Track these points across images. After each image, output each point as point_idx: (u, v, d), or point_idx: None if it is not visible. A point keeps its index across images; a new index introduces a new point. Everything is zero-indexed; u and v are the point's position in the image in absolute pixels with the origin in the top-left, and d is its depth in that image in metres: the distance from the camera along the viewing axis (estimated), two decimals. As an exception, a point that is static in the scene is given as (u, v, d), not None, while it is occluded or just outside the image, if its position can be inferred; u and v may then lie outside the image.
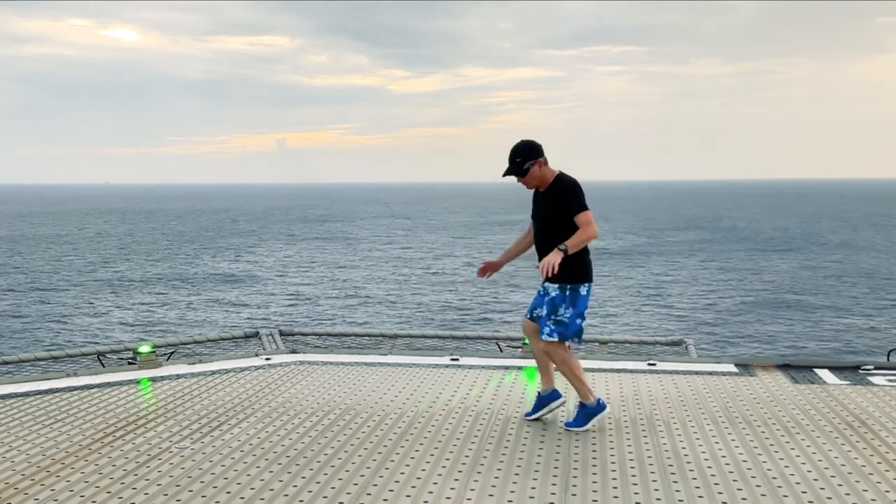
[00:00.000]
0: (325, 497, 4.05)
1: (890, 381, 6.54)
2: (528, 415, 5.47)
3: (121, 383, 6.53)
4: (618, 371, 6.91)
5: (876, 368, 6.95)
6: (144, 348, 7.21)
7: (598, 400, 5.29)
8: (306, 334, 8.49)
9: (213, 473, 4.39)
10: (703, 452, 4.74)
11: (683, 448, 4.82)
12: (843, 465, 4.52)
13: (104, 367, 7.15)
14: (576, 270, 5.12)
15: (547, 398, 5.45)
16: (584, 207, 5.09)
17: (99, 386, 6.42)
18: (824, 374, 6.79)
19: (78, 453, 4.74)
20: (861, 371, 6.88)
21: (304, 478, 4.33)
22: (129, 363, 7.18)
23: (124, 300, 33.01)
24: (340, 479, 4.31)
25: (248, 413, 5.64)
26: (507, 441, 4.96)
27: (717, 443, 4.93)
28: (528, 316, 5.47)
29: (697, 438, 5.02)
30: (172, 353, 7.61)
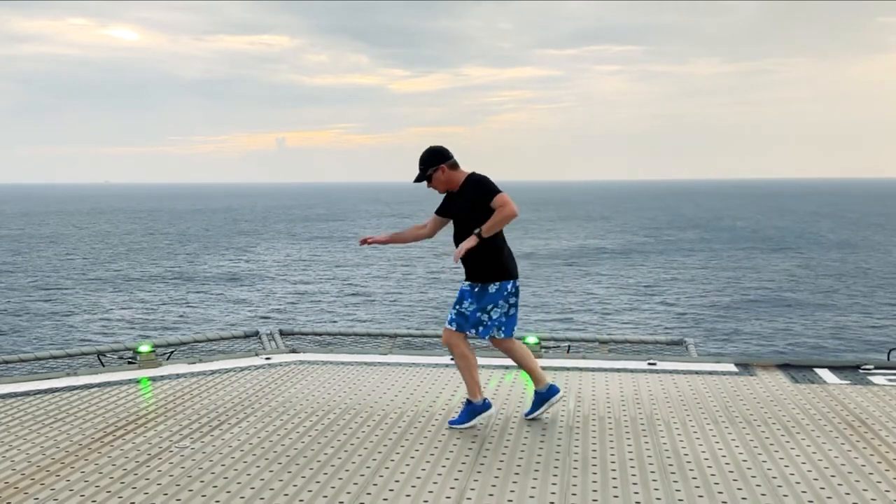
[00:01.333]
0: (325, 497, 4.05)
1: (890, 380, 6.54)
2: (527, 414, 5.48)
3: (121, 383, 6.53)
4: (618, 370, 6.91)
5: (876, 368, 6.95)
6: (144, 348, 7.21)
7: (485, 400, 5.36)
8: (306, 334, 8.49)
9: (213, 473, 4.39)
10: (703, 452, 4.74)
11: (683, 448, 4.82)
12: (843, 464, 4.52)
13: (104, 366, 7.15)
14: (489, 270, 5.24)
15: (545, 394, 5.46)
16: (498, 191, 5.21)
17: (99, 385, 6.42)
18: (824, 373, 6.79)
19: (78, 453, 4.74)
20: (861, 371, 6.88)
21: (304, 477, 4.32)
22: (129, 363, 7.18)
23: (124, 299, 33.02)
24: (340, 478, 4.31)
25: (248, 413, 5.63)
26: (507, 441, 4.96)
27: (717, 442, 4.93)
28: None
29: (697, 438, 5.02)
30: (172, 352, 7.61)
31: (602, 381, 6.55)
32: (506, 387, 6.37)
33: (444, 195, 5.50)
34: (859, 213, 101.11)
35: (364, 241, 5.76)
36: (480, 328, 5.30)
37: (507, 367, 7.05)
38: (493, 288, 5.25)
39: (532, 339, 7.62)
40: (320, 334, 8.57)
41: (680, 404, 5.83)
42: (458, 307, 5.30)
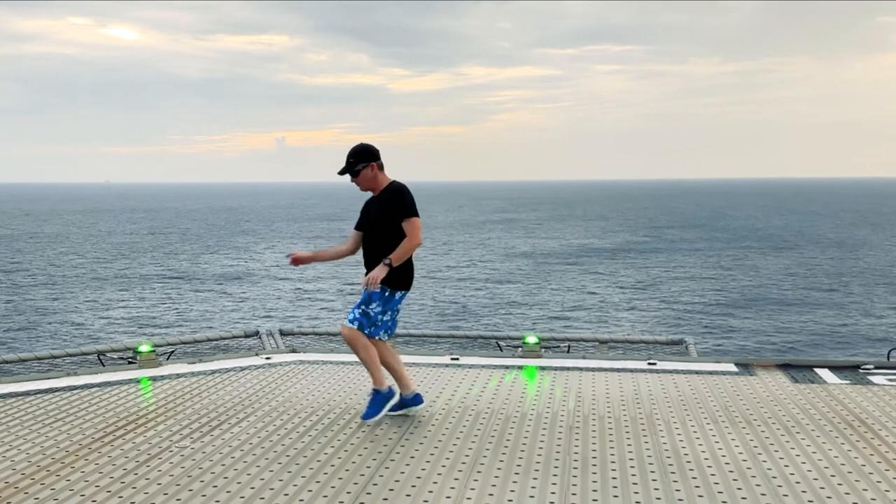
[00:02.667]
0: (325, 496, 4.05)
1: (890, 380, 6.54)
2: (394, 409, 5.54)
3: (121, 382, 6.53)
4: (618, 370, 6.91)
5: (876, 368, 6.95)
6: (144, 347, 7.21)
7: (390, 387, 5.48)
8: (306, 333, 8.49)
9: (213, 473, 4.39)
10: (703, 452, 4.74)
11: (683, 447, 4.82)
12: (843, 464, 4.52)
13: (104, 366, 7.15)
14: (402, 278, 5.38)
15: (411, 401, 5.57)
16: (415, 213, 5.35)
17: (99, 385, 6.42)
18: (824, 373, 6.80)
19: (78, 452, 4.74)
20: (861, 370, 6.89)
21: (304, 477, 4.33)
22: (129, 362, 7.18)
23: (124, 299, 33.02)
24: (340, 478, 4.31)
25: (248, 413, 5.64)
26: (507, 441, 4.96)
27: (717, 442, 4.93)
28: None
29: (697, 438, 5.02)
30: (172, 352, 7.61)
31: (602, 380, 6.55)
32: (506, 387, 6.37)
33: (361, 209, 5.58)
34: (859, 212, 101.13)
35: (296, 262, 5.77)
36: (373, 329, 5.42)
37: (506, 368, 7.05)
38: (398, 294, 5.42)
39: (532, 339, 7.62)
40: (320, 334, 8.57)
41: (680, 404, 5.83)
42: (363, 307, 5.35)
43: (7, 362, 7.10)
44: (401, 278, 5.39)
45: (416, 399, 5.62)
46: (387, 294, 5.38)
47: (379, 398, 5.43)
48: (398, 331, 8.63)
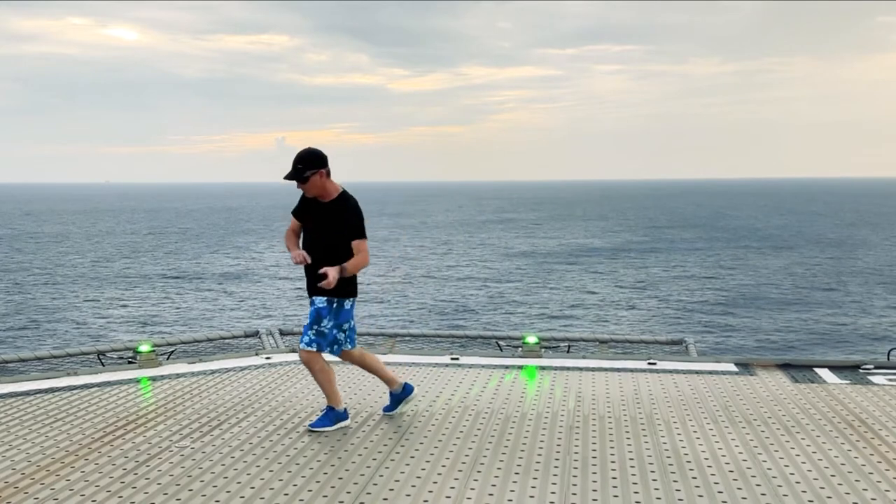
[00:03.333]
0: (325, 497, 4.05)
1: (890, 380, 6.54)
2: (386, 409, 5.60)
3: (121, 382, 6.53)
4: (618, 370, 6.91)
5: (876, 368, 6.95)
6: (144, 347, 7.21)
7: (345, 409, 5.43)
8: (306, 333, 8.48)
9: (213, 473, 4.39)
10: (704, 451, 4.74)
11: (683, 447, 4.82)
12: (843, 464, 4.52)
13: (104, 366, 7.15)
14: (347, 286, 5.27)
15: (401, 395, 5.59)
16: (364, 235, 5.27)
17: (99, 385, 6.42)
18: (824, 373, 6.80)
19: (78, 452, 4.74)
20: (861, 370, 6.89)
21: (304, 477, 4.33)
22: (129, 362, 7.18)
23: (124, 299, 33.01)
24: (340, 478, 4.31)
25: (248, 413, 5.64)
26: (507, 440, 4.96)
27: (717, 442, 4.93)
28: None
29: (697, 437, 5.02)
30: (172, 352, 7.61)
31: (602, 380, 6.55)
32: (506, 386, 6.37)
33: (302, 199, 5.42)
34: (859, 212, 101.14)
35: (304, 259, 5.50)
36: (336, 346, 5.35)
37: (506, 367, 7.05)
38: (347, 304, 5.33)
39: (532, 339, 7.62)
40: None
41: (680, 404, 5.83)
42: (316, 327, 5.25)
43: (7, 362, 7.10)
44: (349, 287, 5.28)
45: (407, 389, 5.61)
46: (335, 306, 5.25)
47: (332, 414, 5.32)
48: (398, 330, 8.65)
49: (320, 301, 5.25)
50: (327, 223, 5.26)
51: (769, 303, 31.38)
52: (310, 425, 5.28)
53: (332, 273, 5.03)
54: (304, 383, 6.49)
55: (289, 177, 5.25)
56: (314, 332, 5.25)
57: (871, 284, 36.14)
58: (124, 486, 4.19)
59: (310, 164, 5.19)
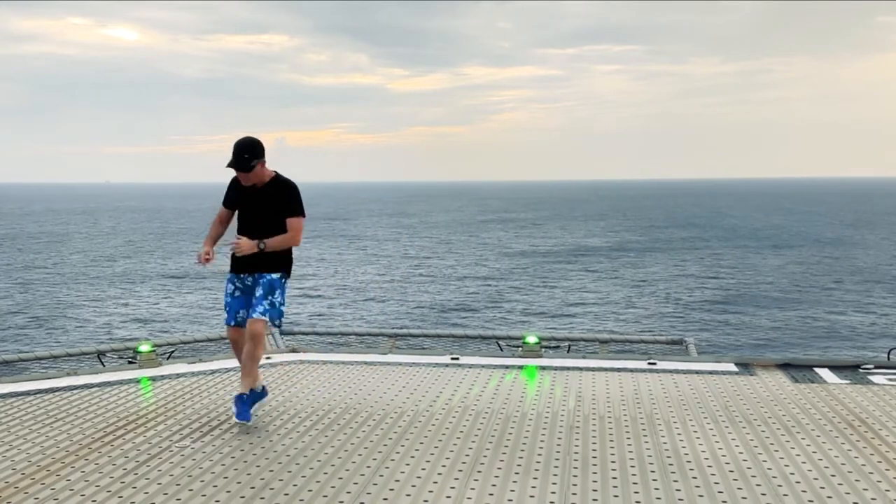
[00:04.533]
0: (325, 496, 4.05)
1: (890, 380, 6.54)
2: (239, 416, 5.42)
3: (121, 382, 6.53)
4: (618, 370, 6.91)
5: (876, 367, 6.95)
6: (144, 347, 7.21)
7: (263, 386, 5.58)
8: (307, 333, 8.50)
9: (213, 472, 4.39)
10: (704, 451, 4.74)
11: (684, 447, 4.82)
12: (843, 464, 4.52)
13: (104, 366, 7.15)
14: (289, 263, 5.51)
15: (260, 395, 5.57)
16: (302, 213, 5.41)
17: (99, 385, 6.42)
18: (824, 373, 6.80)
19: (78, 452, 4.74)
20: (861, 370, 6.89)
21: (304, 477, 4.32)
22: (130, 362, 7.18)
23: (125, 299, 33.02)
24: (340, 478, 4.31)
25: (248, 412, 5.63)
26: (507, 440, 4.96)
27: (717, 442, 4.93)
28: (233, 322, 5.52)
29: (698, 437, 5.02)
30: (172, 352, 7.61)
31: (602, 380, 6.55)
32: (506, 386, 6.37)
33: (232, 187, 5.54)
34: (858, 211, 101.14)
35: (206, 260, 5.55)
36: (277, 320, 5.47)
37: (506, 367, 7.05)
38: (286, 280, 5.51)
39: (532, 339, 7.62)
40: (321, 334, 8.58)
41: (680, 404, 5.83)
42: (270, 298, 5.35)
43: (7, 362, 7.10)
44: (290, 263, 5.49)
45: (264, 392, 5.64)
46: (284, 281, 5.44)
47: (254, 396, 5.42)
48: (398, 330, 8.65)
49: (272, 275, 5.37)
50: (265, 205, 5.37)
51: (769, 302, 31.38)
52: (242, 418, 5.24)
53: (247, 243, 5.23)
54: (304, 383, 6.49)
55: (234, 166, 5.33)
56: (268, 303, 5.34)
57: (871, 284, 36.14)
58: (124, 486, 4.19)
59: (254, 153, 5.31)
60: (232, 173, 5.46)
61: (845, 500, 3.99)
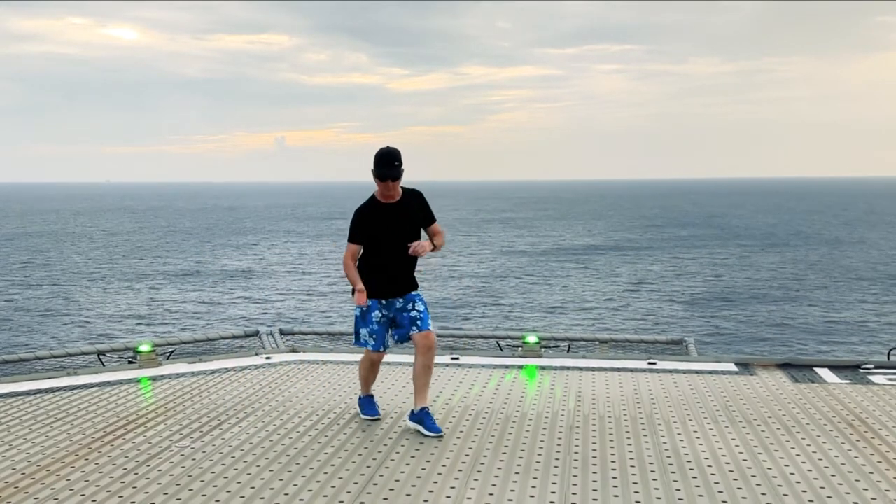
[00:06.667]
0: (325, 496, 4.05)
1: (890, 380, 6.54)
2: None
3: (121, 382, 6.53)
4: (618, 370, 6.91)
5: (876, 367, 6.95)
6: (144, 347, 7.21)
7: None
8: (306, 333, 8.49)
9: (213, 472, 4.39)
10: (704, 451, 4.74)
11: (684, 447, 4.82)
12: (843, 463, 4.52)
13: (104, 366, 7.15)
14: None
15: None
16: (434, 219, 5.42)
17: (99, 385, 6.42)
18: (824, 373, 6.79)
19: (78, 452, 4.74)
20: (861, 370, 6.89)
21: (304, 477, 4.33)
22: (129, 362, 7.18)
23: (125, 298, 33.02)
24: (340, 478, 4.31)
25: (248, 412, 5.63)
26: (508, 440, 4.96)
27: (717, 442, 4.93)
28: (382, 348, 5.41)
29: (698, 437, 5.02)
30: (172, 352, 7.61)
31: (602, 380, 6.54)
32: (506, 386, 6.37)
33: (369, 209, 5.26)
34: (858, 211, 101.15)
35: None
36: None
37: (506, 367, 7.05)
38: None
39: (532, 339, 7.62)
40: (321, 334, 8.57)
41: (680, 404, 5.83)
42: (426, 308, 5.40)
43: (7, 362, 7.10)
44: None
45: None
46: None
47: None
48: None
49: (417, 294, 5.37)
50: (410, 216, 5.28)
51: (769, 302, 31.37)
52: (437, 431, 5.07)
53: (427, 244, 5.22)
54: (304, 383, 6.49)
55: (390, 176, 5.11)
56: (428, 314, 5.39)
57: (871, 283, 36.14)
58: (124, 486, 4.19)
59: (401, 161, 5.20)
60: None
61: (845, 499, 3.99)
